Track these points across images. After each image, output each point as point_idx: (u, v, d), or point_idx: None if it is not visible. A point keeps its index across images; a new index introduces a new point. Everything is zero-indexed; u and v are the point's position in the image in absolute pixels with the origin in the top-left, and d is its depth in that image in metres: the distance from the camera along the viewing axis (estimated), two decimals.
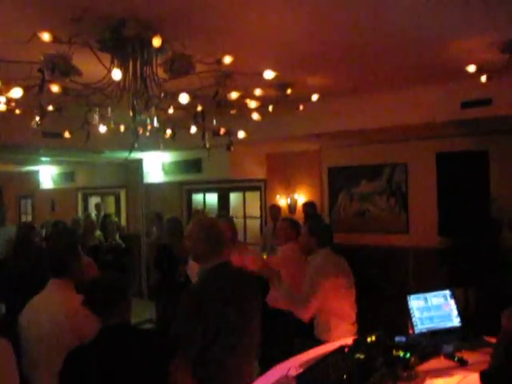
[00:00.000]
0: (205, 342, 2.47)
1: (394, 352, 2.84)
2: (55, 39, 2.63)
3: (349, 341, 3.17)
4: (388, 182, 7.30)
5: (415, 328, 3.48)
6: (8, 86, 2.97)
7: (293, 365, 2.89)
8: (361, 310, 3.88)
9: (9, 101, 3.46)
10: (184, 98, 3.04)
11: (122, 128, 4.13)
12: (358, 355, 2.78)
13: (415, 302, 3.58)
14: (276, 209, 7.74)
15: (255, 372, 2.90)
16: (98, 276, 2.60)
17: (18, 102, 3.60)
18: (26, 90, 2.94)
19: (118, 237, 7.95)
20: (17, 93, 2.89)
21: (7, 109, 3.42)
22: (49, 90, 2.99)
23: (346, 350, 2.94)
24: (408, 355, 2.76)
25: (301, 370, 2.77)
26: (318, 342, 3.59)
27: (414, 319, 3.51)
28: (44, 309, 2.84)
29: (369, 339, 3.04)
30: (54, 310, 2.79)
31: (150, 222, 7.97)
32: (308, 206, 7.41)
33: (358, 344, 2.99)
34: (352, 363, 2.71)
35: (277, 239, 5.31)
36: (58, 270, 2.93)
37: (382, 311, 5.73)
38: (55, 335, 2.72)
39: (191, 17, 3.11)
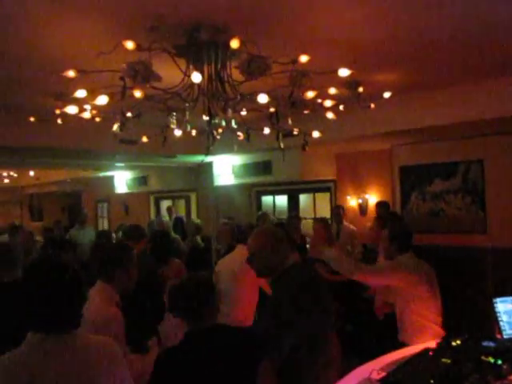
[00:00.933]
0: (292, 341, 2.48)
1: (483, 358, 2.70)
2: (138, 47, 2.72)
3: (432, 344, 3.06)
4: (463, 180, 6.97)
5: (503, 333, 3.29)
6: (93, 94, 3.11)
7: (374, 367, 2.82)
8: None
9: (91, 109, 3.64)
10: (263, 98, 3.05)
11: (194, 132, 4.22)
12: (443, 359, 2.67)
13: (502, 306, 3.39)
14: (337, 210, 7.57)
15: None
16: (190, 277, 2.57)
17: (99, 110, 3.78)
18: (109, 97, 3.07)
19: (198, 237, 8.09)
20: (102, 100, 3.02)
21: (91, 116, 3.58)
22: (128, 97, 3.10)
23: (431, 353, 2.83)
24: (500, 362, 2.61)
25: (383, 374, 2.70)
26: (403, 345, 3.52)
27: (501, 323, 3.32)
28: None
29: (454, 343, 2.91)
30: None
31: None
32: (380, 205, 7.21)
33: (443, 348, 2.87)
34: (438, 368, 2.61)
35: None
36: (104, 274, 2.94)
37: (460, 314, 5.47)
38: None
39: (264, 18, 3.13)
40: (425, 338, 3.45)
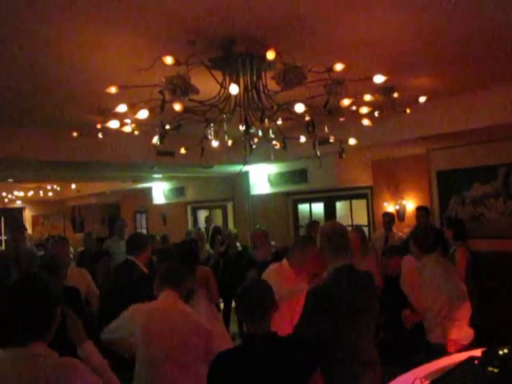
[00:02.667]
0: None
1: None
2: (176, 62, 2.80)
3: (477, 352, 2.99)
4: (504, 184, 6.80)
5: None
6: (133, 109, 3.22)
7: (418, 376, 2.78)
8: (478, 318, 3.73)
9: (131, 122, 3.76)
10: (300, 108, 3.09)
11: (230, 142, 4.28)
12: (490, 368, 2.61)
13: None
14: (389, 217, 7.46)
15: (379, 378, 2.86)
16: (248, 284, 2.63)
17: (138, 123, 3.89)
18: (149, 111, 3.16)
19: (238, 246, 8.15)
20: (143, 114, 3.11)
21: (131, 130, 3.69)
22: (167, 110, 3.19)
23: (476, 361, 2.77)
24: None
25: (427, 382, 2.66)
26: (434, 346, 3.59)
27: None
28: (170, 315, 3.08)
29: (501, 351, 2.84)
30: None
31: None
32: (420, 210, 7.09)
33: (489, 356, 2.80)
34: (485, 377, 2.56)
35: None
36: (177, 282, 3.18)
37: (501, 320, 5.32)
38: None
39: (298, 29, 3.16)
40: (453, 336, 3.47)
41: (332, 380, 2.69)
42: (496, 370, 2.58)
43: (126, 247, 4.44)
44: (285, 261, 3.99)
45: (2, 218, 15.81)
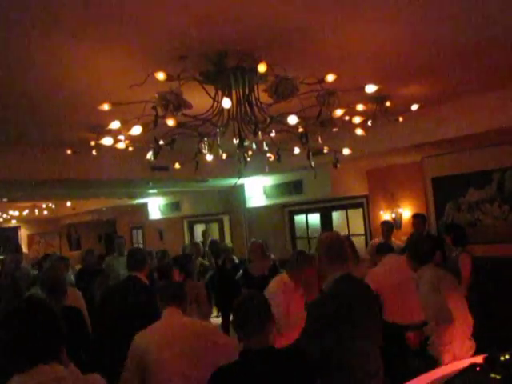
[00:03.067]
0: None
1: None
2: (168, 77, 2.81)
3: (478, 359, 2.98)
4: (498, 189, 6.82)
5: None
6: (127, 125, 3.22)
7: None
8: (476, 324, 3.68)
9: (124, 139, 3.76)
10: (292, 120, 3.10)
11: (224, 156, 4.28)
12: (493, 375, 2.60)
13: None
14: (388, 226, 7.42)
15: None
16: (244, 297, 2.59)
17: (132, 139, 3.89)
18: (142, 127, 3.16)
19: (235, 259, 8.10)
20: (137, 130, 3.11)
21: (125, 146, 3.69)
22: (161, 126, 3.19)
23: (478, 368, 2.76)
24: None
25: None
26: (434, 360, 3.50)
27: None
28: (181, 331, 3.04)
29: (502, 357, 2.82)
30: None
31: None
32: (417, 217, 7.08)
33: (491, 362, 2.79)
34: (487, 383, 2.54)
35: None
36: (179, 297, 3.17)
37: (498, 326, 5.30)
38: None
39: (288, 41, 3.18)
40: (456, 351, 3.43)
41: None
42: (498, 377, 2.57)
43: (127, 263, 4.36)
44: (285, 274, 3.99)
45: None
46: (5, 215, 14.06)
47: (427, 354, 3.65)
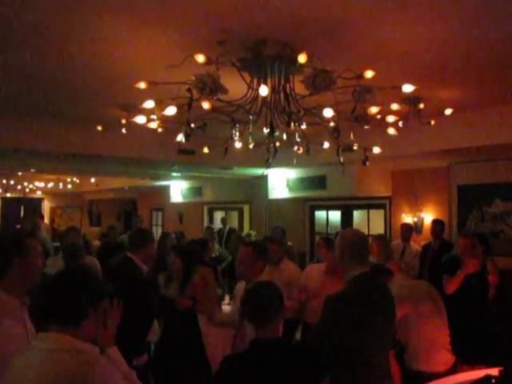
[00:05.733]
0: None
1: None
2: (207, 60, 2.81)
3: (493, 371, 2.94)
4: None
5: None
6: (160, 105, 3.23)
7: None
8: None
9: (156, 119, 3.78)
10: (328, 113, 3.08)
11: (252, 145, 4.28)
12: None
13: None
14: (408, 228, 7.39)
15: None
16: (256, 287, 2.58)
17: (163, 121, 3.91)
18: (176, 108, 3.18)
19: None
20: (171, 111, 3.12)
21: (157, 126, 3.71)
22: (194, 109, 3.20)
23: (493, 380, 2.73)
24: None
25: None
26: (414, 373, 3.55)
27: None
28: None
29: None
30: None
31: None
32: (436, 223, 7.01)
33: (507, 375, 2.76)
34: None
35: None
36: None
37: None
38: None
39: (329, 34, 3.16)
40: (434, 363, 3.47)
41: None
42: None
43: (128, 243, 4.27)
44: None
45: (22, 207, 16.05)
46: (31, 185, 14.30)
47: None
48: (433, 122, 4.72)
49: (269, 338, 2.36)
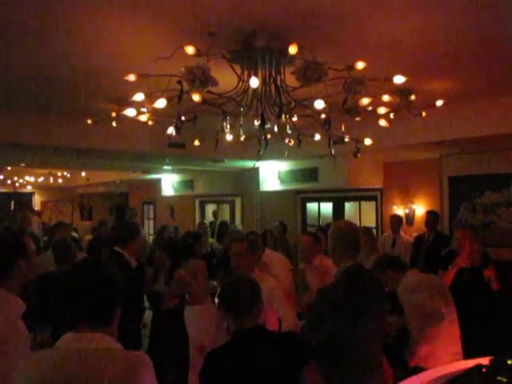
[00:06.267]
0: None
1: None
2: (197, 52, 2.79)
3: (484, 361, 2.96)
4: None
5: None
6: (150, 98, 3.21)
7: (424, 380, 2.76)
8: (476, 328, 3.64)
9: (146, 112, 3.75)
10: (319, 104, 3.06)
11: (243, 137, 4.26)
12: (499, 377, 2.58)
13: None
14: (397, 219, 7.45)
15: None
16: (233, 280, 2.62)
17: (153, 114, 3.88)
18: (167, 101, 3.15)
19: None
20: (161, 103, 3.10)
21: (147, 119, 3.68)
22: (184, 101, 3.17)
23: (484, 370, 2.74)
24: None
25: None
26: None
27: None
28: None
29: (510, 361, 2.80)
30: None
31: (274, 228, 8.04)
32: (430, 214, 7.03)
33: (497, 365, 2.77)
34: None
35: None
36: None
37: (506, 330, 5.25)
38: None
39: (319, 25, 3.14)
40: (436, 355, 3.37)
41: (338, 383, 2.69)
42: (505, 380, 2.55)
43: (115, 237, 4.22)
44: None
45: (12, 202, 15.93)
46: (21, 180, 14.19)
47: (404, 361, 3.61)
48: (424, 114, 4.72)
49: (248, 328, 2.39)
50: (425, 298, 3.47)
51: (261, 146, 3.47)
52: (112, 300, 1.78)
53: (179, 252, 4.69)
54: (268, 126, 3.42)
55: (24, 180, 14.18)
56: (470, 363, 2.95)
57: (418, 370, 3.32)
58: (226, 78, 3.21)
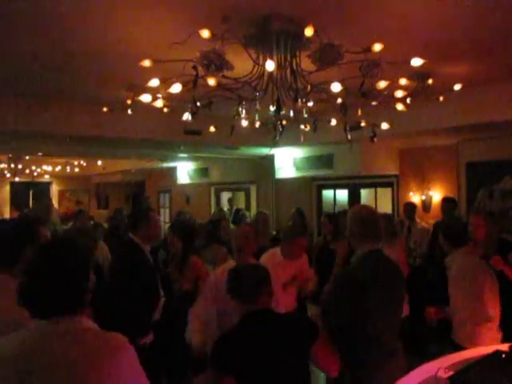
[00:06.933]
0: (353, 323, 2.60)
1: None
2: (212, 35, 2.77)
3: (503, 347, 2.94)
4: None
5: None
6: (165, 84, 3.20)
7: (441, 366, 2.74)
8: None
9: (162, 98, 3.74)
10: (336, 87, 3.03)
11: (258, 124, 4.24)
12: None
13: None
14: (410, 206, 7.36)
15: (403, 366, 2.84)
16: (242, 265, 2.66)
17: (168, 100, 3.88)
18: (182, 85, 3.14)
19: None
20: (176, 88, 3.09)
21: (162, 105, 3.68)
22: (199, 87, 3.16)
23: (504, 356, 2.72)
24: None
25: (451, 372, 2.62)
26: (459, 348, 3.40)
27: None
28: None
29: None
30: None
31: (291, 216, 8.02)
32: (446, 201, 6.92)
33: None
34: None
35: None
36: None
37: None
38: None
39: (335, 8, 3.10)
40: (482, 342, 3.33)
41: (356, 367, 2.69)
42: None
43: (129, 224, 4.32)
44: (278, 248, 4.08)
45: (31, 192, 16.13)
46: (39, 169, 14.34)
47: (449, 340, 3.60)
48: (441, 98, 4.65)
49: (255, 310, 2.43)
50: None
51: (276, 132, 3.45)
52: (78, 283, 1.70)
53: (191, 236, 4.72)
54: (283, 112, 3.40)
55: (42, 169, 14.33)
56: (490, 349, 2.93)
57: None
58: (240, 63, 3.19)
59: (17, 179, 14.69)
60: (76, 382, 1.55)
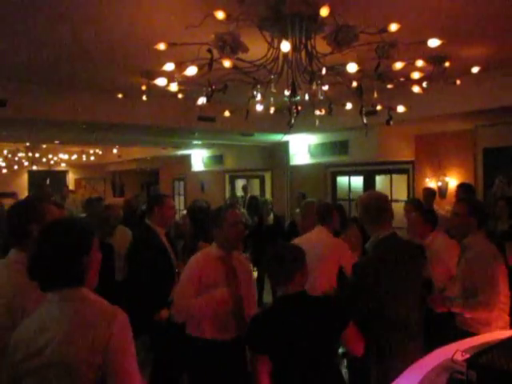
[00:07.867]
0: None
1: None
2: (227, 17, 2.76)
3: None
4: None
5: None
6: (180, 67, 3.20)
7: (458, 349, 2.74)
8: None
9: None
10: (352, 68, 3.01)
11: (272, 110, 4.22)
12: None
13: None
14: (430, 192, 7.17)
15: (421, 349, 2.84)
16: (276, 247, 2.67)
17: (183, 85, 3.87)
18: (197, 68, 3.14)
19: (271, 217, 8.12)
20: (192, 71, 3.09)
21: (177, 90, 3.68)
22: (214, 71, 3.15)
23: None
24: None
25: (467, 356, 2.61)
26: (465, 334, 3.34)
27: None
28: None
29: None
30: None
31: (295, 201, 8.03)
32: (462, 188, 6.81)
33: None
34: None
35: None
36: None
37: None
38: None
39: None
40: (496, 328, 3.29)
41: (379, 352, 2.71)
42: None
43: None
44: None
45: (48, 180, 16.31)
46: (55, 158, 14.49)
47: (457, 326, 3.56)
48: (458, 82, 4.59)
49: (290, 294, 2.45)
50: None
51: (291, 117, 3.43)
52: (74, 258, 1.78)
53: (202, 221, 4.74)
54: (298, 97, 3.38)
55: (58, 158, 14.47)
56: (506, 334, 2.91)
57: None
58: (255, 47, 3.16)
59: (34, 168, 14.86)
60: (67, 339, 1.69)
